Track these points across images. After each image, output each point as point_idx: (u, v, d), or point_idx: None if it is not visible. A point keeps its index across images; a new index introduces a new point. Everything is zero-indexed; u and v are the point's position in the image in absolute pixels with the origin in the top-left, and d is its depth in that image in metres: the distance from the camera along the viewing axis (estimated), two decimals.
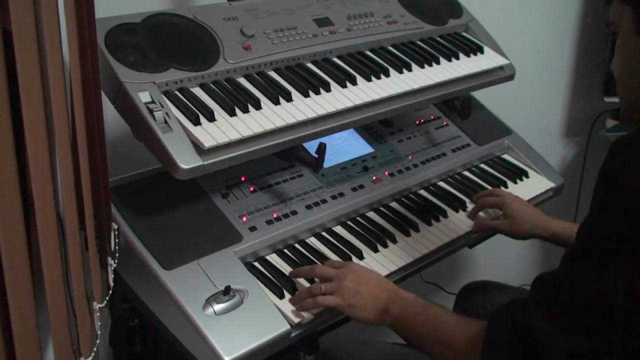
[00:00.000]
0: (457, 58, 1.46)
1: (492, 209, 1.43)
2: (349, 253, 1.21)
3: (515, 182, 1.58)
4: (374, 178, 1.40)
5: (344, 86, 1.24)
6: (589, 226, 0.80)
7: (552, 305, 0.81)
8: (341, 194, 1.33)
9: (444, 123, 1.66)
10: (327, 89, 1.21)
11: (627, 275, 0.74)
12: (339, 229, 1.29)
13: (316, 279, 1.10)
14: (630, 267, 0.74)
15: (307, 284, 1.12)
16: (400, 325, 1.00)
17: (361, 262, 1.20)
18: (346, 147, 1.45)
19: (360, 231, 1.28)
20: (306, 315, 1.06)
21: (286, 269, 1.15)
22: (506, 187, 1.55)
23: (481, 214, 1.43)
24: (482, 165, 1.62)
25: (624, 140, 0.76)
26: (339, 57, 1.33)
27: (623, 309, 0.75)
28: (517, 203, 1.39)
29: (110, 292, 1.01)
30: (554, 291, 0.81)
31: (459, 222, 1.39)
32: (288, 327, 1.03)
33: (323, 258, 1.18)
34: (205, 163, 1.01)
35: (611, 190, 0.77)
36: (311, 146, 1.19)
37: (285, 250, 1.20)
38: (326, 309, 1.06)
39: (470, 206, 1.44)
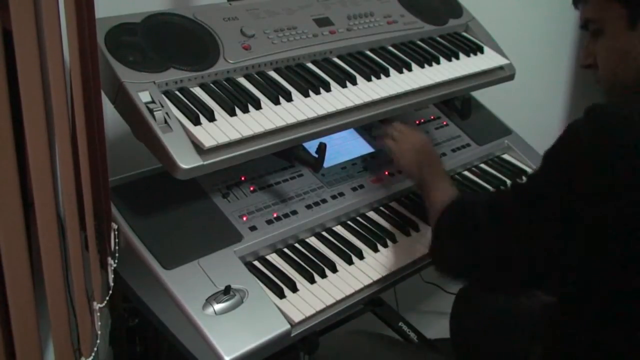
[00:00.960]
0: (457, 58, 1.46)
1: None
2: (349, 253, 1.21)
3: None
4: (374, 178, 1.40)
5: (344, 86, 1.24)
6: (553, 158, 0.89)
7: (497, 210, 0.95)
8: (341, 194, 1.33)
9: (444, 123, 1.66)
10: (327, 89, 1.21)
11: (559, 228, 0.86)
12: (339, 229, 1.28)
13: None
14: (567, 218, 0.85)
15: (307, 284, 1.12)
16: (422, 183, 1.22)
17: (361, 262, 1.20)
18: (346, 147, 1.45)
19: (360, 231, 1.28)
20: (307, 314, 1.06)
21: (286, 268, 1.15)
22: (506, 187, 1.55)
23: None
24: (482, 165, 1.62)
25: (596, 107, 0.84)
26: (339, 57, 1.33)
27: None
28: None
29: (110, 292, 1.01)
30: (503, 201, 0.96)
31: None
32: (288, 327, 1.03)
33: (323, 258, 1.18)
34: (205, 163, 1.01)
35: (584, 144, 0.83)
36: (311, 146, 1.19)
37: (286, 250, 1.20)
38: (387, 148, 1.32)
39: None
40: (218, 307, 1.01)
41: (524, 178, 1.05)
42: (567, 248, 0.86)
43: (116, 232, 1.08)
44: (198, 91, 1.12)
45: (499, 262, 0.94)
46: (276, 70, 1.23)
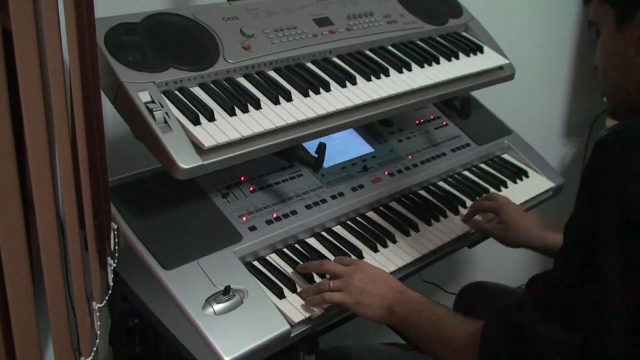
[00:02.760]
0: (457, 58, 1.46)
1: (490, 215, 1.42)
2: (349, 253, 1.21)
3: (515, 182, 1.58)
4: (374, 178, 1.40)
5: (344, 86, 1.24)
6: (576, 222, 0.83)
7: (546, 301, 0.82)
8: (341, 194, 1.33)
9: (444, 123, 1.66)
10: (327, 89, 1.21)
11: (617, 269, 0.75)
12: (339, 229, 1.29)
13: (326, 275, 1.11)
14: (619, 259, 0.75)
15: (307, 284, 1.12)
16: (405, 324, 1.02)
17: None
18: (346, 147, 1.45)
19: (360, 231, 1.28)
20: (307, 314, 1.06)
21: (286, 269, 1.15)
22: (506, 187, 1.55)
23: (478, 217, 1.42)
24: (482, 165, 1.62)
25: (607, 139, 0.80)
26: (339, 57, 1.33)
27: (616, 304, 0.76)
28: (513, 210, 1.35)
29: (110, 292, 1.01)
30: (547, 288, 0.84)
31: (459, 222, 1.39)
32: (288, 327, 1.03)
33: (323, 258, 1.18)
34: (205, 163, 1.01)
35: (596, 187, 0.79)
36: (311, 146, 1.18)
37: (285, 250, 1.20)
38: (333, 305, 1.07)
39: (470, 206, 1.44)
40: (218, 307, 1.01)
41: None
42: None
43: (116, 232, 1.07)
44: (198, 91, 1.12)
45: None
46: (276, 70, 1.23)
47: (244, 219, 1.18)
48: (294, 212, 1.24)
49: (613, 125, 0.92)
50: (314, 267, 1.12)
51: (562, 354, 0.80)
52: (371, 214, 1.35)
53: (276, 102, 1.14)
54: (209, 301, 1.01)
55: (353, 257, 1.20)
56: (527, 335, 0.82)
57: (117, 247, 1.07)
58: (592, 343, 0.77)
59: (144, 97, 1.03)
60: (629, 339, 0.76)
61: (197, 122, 1.04)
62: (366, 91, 1.24)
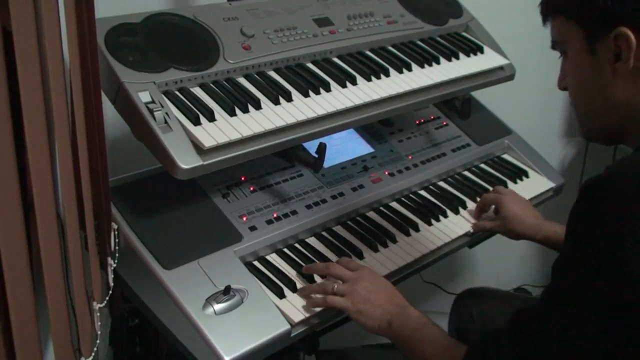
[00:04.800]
0: (457, 58, 1.46)
1: (490, 208, 1.43)
2: (349, 253, 1.21)
3: (515, 182, 1.58)
4: (374, 178, 1.40)
5: (344, 86, 1.24)
6: (563, 266, 0.80)
7: (525, 345, 0.80)
8: (341, 194, 1.33)
9: (444, 123, 1.66)
10: (327, 89, 1.21)
11: (601, 324, 0.73)
12: (339, 229, 1.28)
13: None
14: (604, 312, 0.73)
15: (307, 284, 1.12)
16: (398, 338, 1.01)
17: (361, 262, 1.20)
18: (346, 147, 1.45)
19: (360, 231, 1.28)
20: (307, 313, 1.06)
21: (286, 268, 1.15)
22: (506, 187, 1.54)
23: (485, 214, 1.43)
24: (482, 165, 1.62)
25: (594, 183, 0.76)
26: (339, 57, 1.33)
27: (598, 355, 0.74)
28: (513, 203, 1.37)
29: (110, 292, 1.01)
30: (529, 331, 0.81)
31: (459, 222, 1.39)
32: (288, 327, 1.03)
33: (323, 258, 1.18)
34: (205, 163, 1.01)
35: (583, 233, 0.76)
36: (311, 146, 1.18)
37: (285, 250, 1.20)
38: (334, 309, 1.06)
39: (470, 206, 1.44)
40: (218, 307, 1.01)
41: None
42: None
43: (116, 232, 1.07)
44: (198, 91, 1.12)
45: None
46: (276, 70, 1.23)
47: (244, 218, 1.18)
48: (294, 212, 1.24)
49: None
50: (319, 269, 1.12)
51: None
52: (371, 214, 1.35)
53: (276, 102, 1.14)
54: (209, 301, 1.01)
55: (353, 256, 1.20)
56: None
57: (117, 247, 1.07)
58: None
59: (144, 97, 1.03)
60: None
61: (197, 122, 1.04)
62: (366, 91, 1.24)
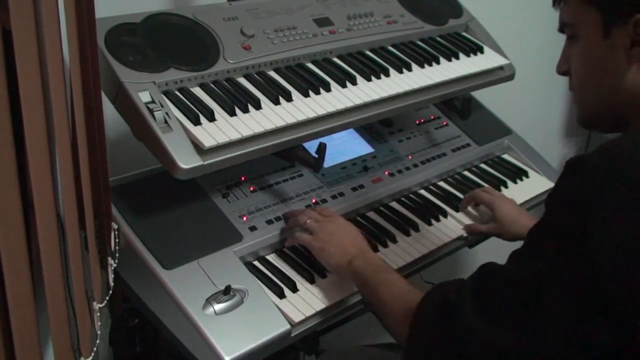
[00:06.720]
0: (457, 58, 1.46)
1: (483, 209, 1.43)
2: None
3: (515, 182, 1.58)
4: (374, 178, 1.40)
5: (344, 86, 1.24)
6: (538, 230, 0.80)
7: (487, 295, 0.80)
8: (341, 194, 1.33)
9: (444, 123, 1.66)
10: (327, 89, 1.21)
11: (564, 285, 0.73)
12: None
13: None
14: (568, 277, 0.73)
15: (307, 284, 1.12)
16: (358, 279, 1.06)
17: None
18: (346, 147, 1.45)
19: (360, 231, 1.28)
20: (307, 313, 1.06)
21: (286, 268, 1.15)
22: (506, 187, 1.55)
23: (471, 210, 1.43)
24: (482, 165, 1.62)
25: (575, 161, 0.76)
26: (339, 57, 1.33)
27: (557, 315, 0.74)
28: (507, 205, 1.37)
29: (110, 292, 1.01)
30: (492, 283, 0.81)
31: (459, 221, 1.39)
32: (288, 327, 1.03)
33: None
34: (205, 163, 1.01)
35: (561, 204, 0.77)
36: (311, 146, 1.18)
37: (286, 250, 1.20)
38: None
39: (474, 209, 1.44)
40: (218, 307, 1.01)
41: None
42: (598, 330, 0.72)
43: (116, 232, 1.08)
44: (198, 91, 1.12)
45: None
46: (276, 70, 1.23)
47: (244, 218, 1.18)
48: None
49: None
50: (298, 211, 1.20)
51: (484, 349, 0.78)
52: (371, 214, 1.35)
53: (276, 102, 1.14)
54: (209, 301, 1.01)
55: None
56: (456, 321, 0.81)
57: (117, 247, 1.07)
58: (516, 346, 0.76)
59: (144, 97, 1.03)
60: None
61: (197, 122, 1.04)
62: (366, 91, 1.24)
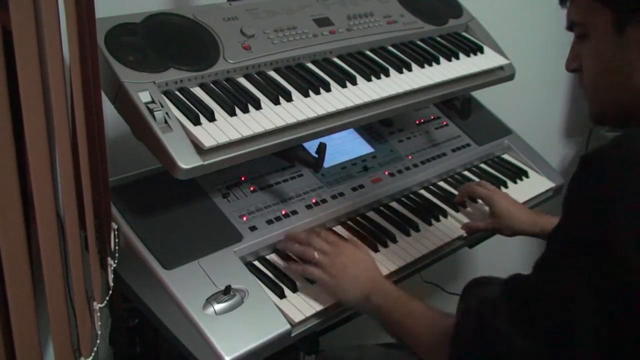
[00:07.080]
0: (457, 58, 1.46)
1: (479, 206, 1.43)
2: None
3: (515, 182, 1.58)
4: (374, 178, 1.40)
5: (344, 86, 1.24)
6: (559, 234, 0.80)
7: (520, 309, 0.81)
8: (341, 194, 1.33)
9: (444, 123, 1.66)
10: (327, 89, 1.21)
11: (593, 288, 0.74)
12: (338, 229, 1.28)
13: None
14: (596, 279, 0.73)
15: (307, 284, 1.12)
16: (380, 313, 1.03)
17: None
18: (346, 147, 1.45)
19: (360, 231, 1.28)
20: (307, 313, 1.06)
21: (286, 268, 1.15)
22: (506, 186, 1.55)
23: (468, 209, 1.43)
24: (482, 165, 1.62)
25: (591, 155, 0.76)
26: (339, 57, 1.33)
27: (589, 323, 0.74)
28: (504, 199, 1.37)
29: (110, 292, 1.01)
30: (523, 295, 0.81)
31: (459, 221, 1.39)
32: (288, 327, 1.03)
33: None
34: (205, 163, 1.01)
35: (579, 203, 0.77)
36: (311, 146, 1.18)
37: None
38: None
39: (470, 206, 1.44)
40: (218, 307, 1.01)
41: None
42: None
43: (116, 232, 1.08)
44: (198, 91, 1.12)
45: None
46: (276, 70, 1.23)
47: (244, 218, 1.18)
48: (294, 212, 1.24)
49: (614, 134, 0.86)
50: (301, 239, 1.15)
51: None
52: (371, 214, 1.35)
53: (276, 102, 1.14)
54: (210, 301, 1.01)
55: None
56: (497, 340, 0.81)
57: (117, 247, 1.07)
58: (553, 356, 0.77)
59: (144, 97, 1.03)
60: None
61: (197, 122, 1.04)
62: (366, 91, 1.24)
